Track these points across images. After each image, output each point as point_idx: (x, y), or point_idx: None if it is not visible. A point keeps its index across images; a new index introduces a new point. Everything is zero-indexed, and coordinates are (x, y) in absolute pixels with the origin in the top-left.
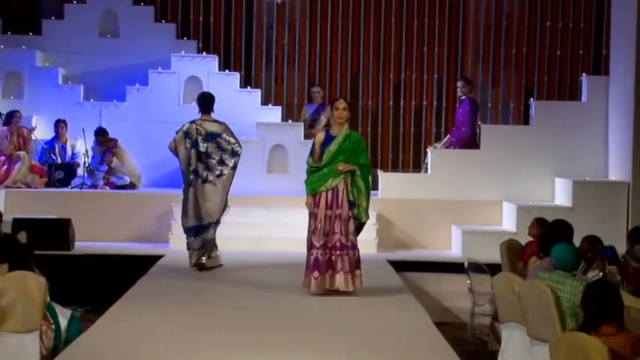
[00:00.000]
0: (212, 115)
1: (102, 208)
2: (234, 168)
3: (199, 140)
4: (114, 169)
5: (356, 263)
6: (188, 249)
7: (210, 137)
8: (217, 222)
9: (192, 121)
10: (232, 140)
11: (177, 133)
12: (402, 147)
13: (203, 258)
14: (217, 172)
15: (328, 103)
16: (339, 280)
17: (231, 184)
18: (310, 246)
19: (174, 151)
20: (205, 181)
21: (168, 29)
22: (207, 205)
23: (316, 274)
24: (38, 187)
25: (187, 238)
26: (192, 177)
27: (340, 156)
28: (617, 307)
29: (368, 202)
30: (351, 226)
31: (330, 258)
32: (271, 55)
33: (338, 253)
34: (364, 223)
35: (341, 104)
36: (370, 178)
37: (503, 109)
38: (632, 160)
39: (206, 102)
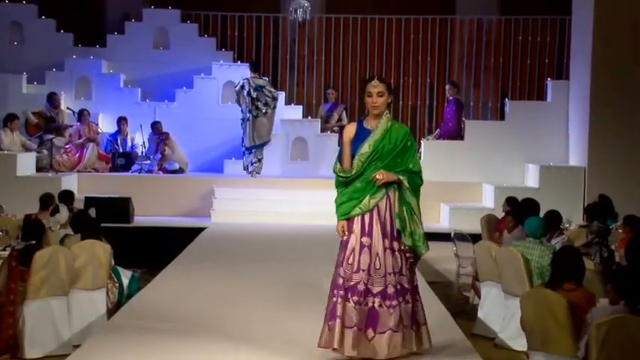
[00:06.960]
0: (257, 73)
1: (156, 189)
2: (274, 108)
3: (251, 90)
4: (166, 156)
5: (416, 316)
6: (244, 161)
7: (258, 88)
8: (265, 143)
9: (246, 78)
10: (273, 90)
11: (236, 87)
12: None
13: (255, 168)
14: (264, 111)
15: (341, 102)
16: (385, 342)
17: (273, 119)
18: (335, 284)
19: (238, 102)
20: (256, 117)
21: (210, 42)
22: (259, 132)
23: (333, 323)
24: (104, 172)
25: (245, 154)
26: (247, 114)
27: (377, 161)
28: (578, 269)
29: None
30: (403, 261)
31: (368, 308)
32: (294, 64)
33: (386, 303)
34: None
35: (375, 87)
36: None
37: (483, 107)
38: (588, 149)
39: (255, 64)
